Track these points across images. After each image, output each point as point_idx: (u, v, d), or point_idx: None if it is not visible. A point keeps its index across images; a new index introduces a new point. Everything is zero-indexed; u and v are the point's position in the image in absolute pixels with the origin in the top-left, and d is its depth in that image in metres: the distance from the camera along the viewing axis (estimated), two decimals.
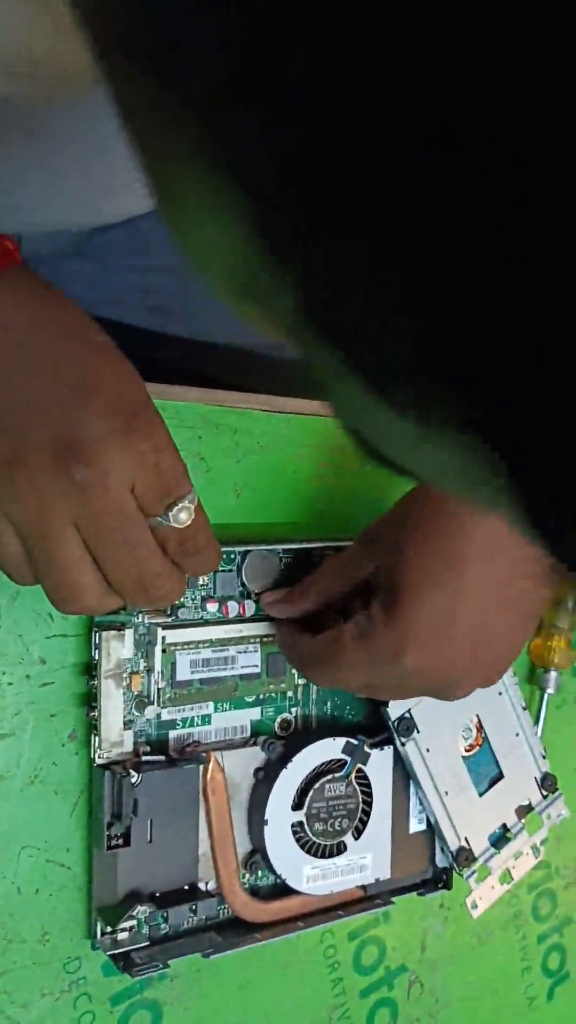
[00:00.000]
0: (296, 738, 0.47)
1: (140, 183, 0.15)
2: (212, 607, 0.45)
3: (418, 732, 0.48)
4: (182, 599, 0.44)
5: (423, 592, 0.39)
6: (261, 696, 0.47)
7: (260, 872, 0.47)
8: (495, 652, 0.42)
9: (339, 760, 0.47)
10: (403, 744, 0.48)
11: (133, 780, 0.42)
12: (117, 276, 0.55)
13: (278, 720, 0.48)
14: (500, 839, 0.52)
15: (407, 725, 0.48)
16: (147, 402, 0.35)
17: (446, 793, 0.50)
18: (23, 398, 0.33)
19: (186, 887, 0.44)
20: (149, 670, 0.44)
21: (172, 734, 0.44)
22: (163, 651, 0.44)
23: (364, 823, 0.49)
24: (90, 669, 0.43)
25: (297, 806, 0.46)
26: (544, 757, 0.54)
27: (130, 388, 0.34)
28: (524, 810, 0.53)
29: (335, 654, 0.41)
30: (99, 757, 0.42)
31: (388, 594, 0.40)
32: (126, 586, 0.35)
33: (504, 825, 0.52)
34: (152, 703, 0.43)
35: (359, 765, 0.48)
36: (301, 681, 0.48)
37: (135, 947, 0.44)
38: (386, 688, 0.43)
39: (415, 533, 0.41)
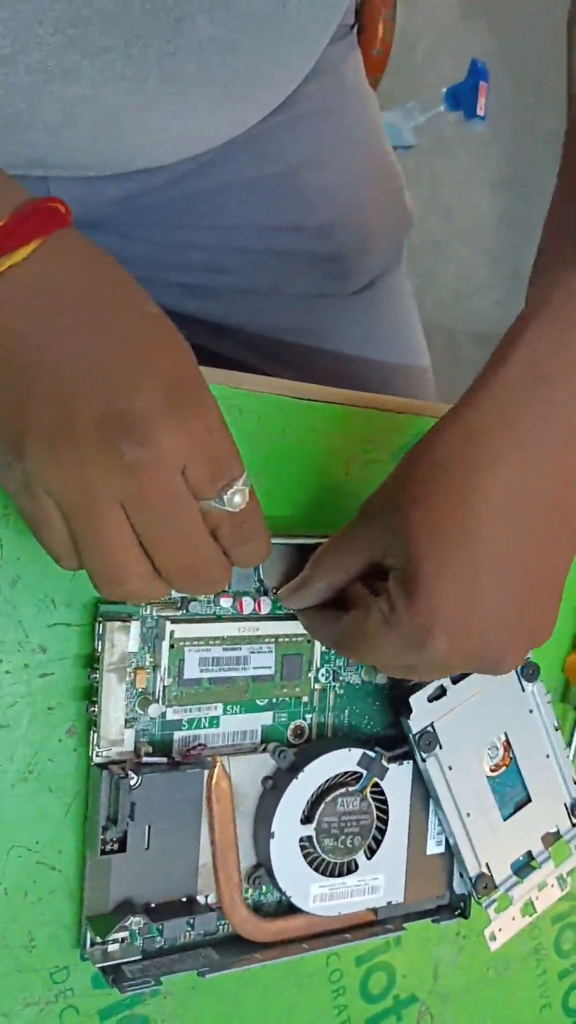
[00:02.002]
0: (309, 747, 0.45)
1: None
2: (226, 602, 0.42)
3: (441, 747, 0.45)
4: None
5: (441, 566, 0.36)
6: (274, 700, 0.44)
7: (264, 888, 0.44)
8: (538, 604, 0.38)
9: (354, 773, 0.45)
10: (424, 759, 0.45)
11: (132, 782, 0.39)
12: (143, 250, 0.52)
13: (291, 726, 0.45)
14: (524, 867, 0.49)
15: (429, 739, 0.45)
16: (200, 379, 0.33)
17: (468, 815, 0.47)
18: (71, 368, 0.31)
19: (183, 899, 0.42)
20: (155, 666, 0.41)
21: (176, 735, 0.42)
22: (171, 646, 0.41)
23: (378, 842, 0.46)
24: (92, 661, 0.40)
25: (307, 820, 0.44)
26: None
27: (183, 364, 0.32)
28: (551, 838, 0.49)
29: (363, 640, 0.38)
30: (97, 755, 0.40)
31: (403, 573, 0.36)
32: (176, 572, 0.33)
33: (529, 852, 0.49)
34: (156, 701, 0.41)
35: (375, 779, 0.45)
36: (317, 686, 0.45)
37: (126, 960, 0.41)
38: (428, 670, 0.39)
39: (418, 495, 0.37)
